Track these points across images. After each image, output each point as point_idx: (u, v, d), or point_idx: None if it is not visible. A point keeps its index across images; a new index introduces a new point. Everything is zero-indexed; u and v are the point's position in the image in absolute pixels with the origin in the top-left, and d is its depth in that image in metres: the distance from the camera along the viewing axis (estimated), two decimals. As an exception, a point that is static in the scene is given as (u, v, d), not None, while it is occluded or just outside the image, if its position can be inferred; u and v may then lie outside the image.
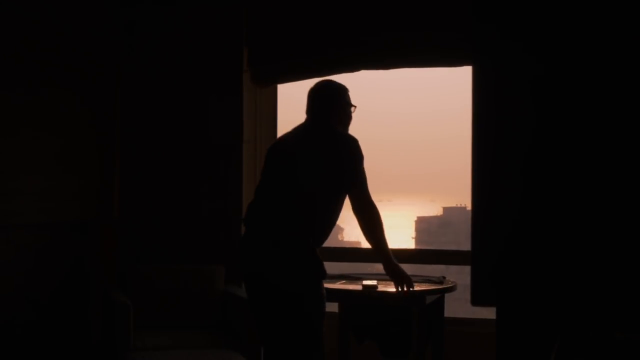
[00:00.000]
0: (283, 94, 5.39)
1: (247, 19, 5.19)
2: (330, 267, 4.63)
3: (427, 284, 4.19)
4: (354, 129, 3.97)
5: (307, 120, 3.89)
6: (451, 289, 4.24)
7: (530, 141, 3.70)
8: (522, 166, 3.71)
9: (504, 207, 3.73)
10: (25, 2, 4.66)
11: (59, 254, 4.96)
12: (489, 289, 3.77)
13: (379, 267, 3.94)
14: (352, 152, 3.75)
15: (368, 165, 3.81)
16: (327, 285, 4.11)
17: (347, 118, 3.92)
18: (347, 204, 3.84)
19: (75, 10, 4.96)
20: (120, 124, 5.32)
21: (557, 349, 3.49)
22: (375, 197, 3.81)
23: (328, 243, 3.83)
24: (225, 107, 5.18)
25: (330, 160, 3.71)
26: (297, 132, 3.86)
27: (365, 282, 4.14)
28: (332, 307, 4.41)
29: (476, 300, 3.81)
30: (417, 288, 3.96)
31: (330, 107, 3.86)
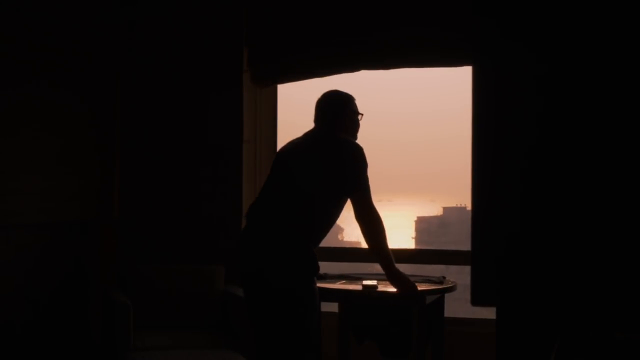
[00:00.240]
0: (283, 94, 5.40)
1: (247, 19, 5.20)
2: (330, 267, 4.64)
3: (427, 284, 4.19)
4: (353, 129, 3.98)
5: (315, 127, 3.96)
6: (451, 289, 4.24)
7: (531, 141, 3.69)
8: (522, 166, 3.70)
9: (504, 207, 3.73)
10: (25, 2, 4.66)
11: (59, 254, 4.96)
12: (489, 289, 3.77)
13: (379, 267, 3.94)
14: (355, 158, 3.80)
15: (368, 165, 3.82)
16: (327, 285, 4.12)
17: (355, 126, 3.98)
18: (347, 205, 3.85)
19: (76, 9, 4.96)
20: (120, 123, 5.32)
21: (557, 349, 3.49)
22: (375, 197, 3.83)
23: (328, 243, 3.84)
24: (225, 107, 5.18)
25: (332, 163, 3.76)
26: (305, 137, 3.93)
27: (365, 282, 4.13)
28: (332, 307, 4.41)
29: (476, 300, 3.81)
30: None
31: (337, 115, 3.92)
